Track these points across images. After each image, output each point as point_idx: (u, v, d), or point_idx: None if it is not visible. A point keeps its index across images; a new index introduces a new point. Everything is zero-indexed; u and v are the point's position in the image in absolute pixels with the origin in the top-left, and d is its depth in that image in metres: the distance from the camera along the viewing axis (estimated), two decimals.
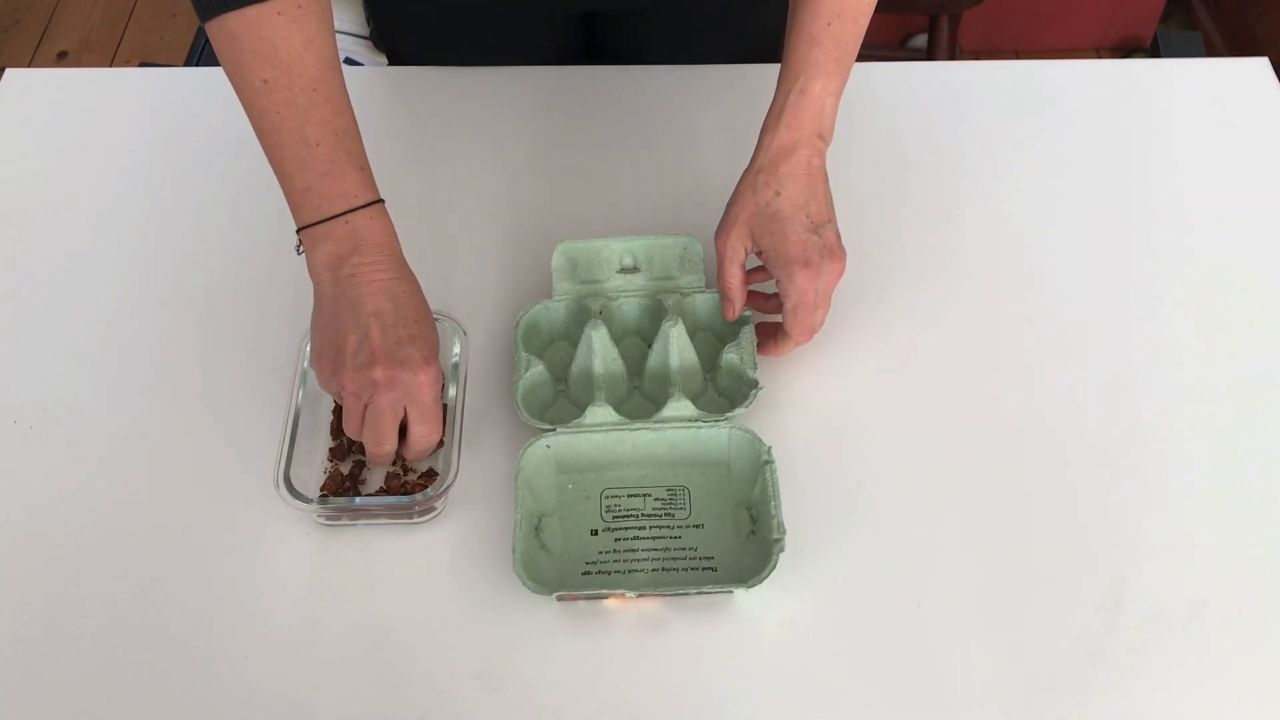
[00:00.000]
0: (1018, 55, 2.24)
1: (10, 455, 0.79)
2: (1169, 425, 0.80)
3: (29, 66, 1.87)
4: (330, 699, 0.69)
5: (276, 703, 0.68)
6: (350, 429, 0.73)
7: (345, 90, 0.74)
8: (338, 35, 1.95)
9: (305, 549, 0.74)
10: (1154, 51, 2.23)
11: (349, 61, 1.79)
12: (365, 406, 0.72)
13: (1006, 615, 0.71)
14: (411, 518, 0.75)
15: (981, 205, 0.93)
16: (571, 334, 0.82)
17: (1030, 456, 0.78)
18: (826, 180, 0.76)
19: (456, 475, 0.74)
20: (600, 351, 0.78)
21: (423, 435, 0.73)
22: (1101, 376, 0.82)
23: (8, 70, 1.04)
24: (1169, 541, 0.74)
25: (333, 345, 0.72)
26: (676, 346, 0.78)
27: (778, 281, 0.76)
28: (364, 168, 0.73)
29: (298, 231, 0.73)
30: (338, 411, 0.79)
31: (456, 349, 0.80)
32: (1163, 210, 0.92)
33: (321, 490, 0.76)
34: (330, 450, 0.78)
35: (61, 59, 2.30)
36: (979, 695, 0.68)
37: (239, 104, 0.73)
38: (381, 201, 0.74)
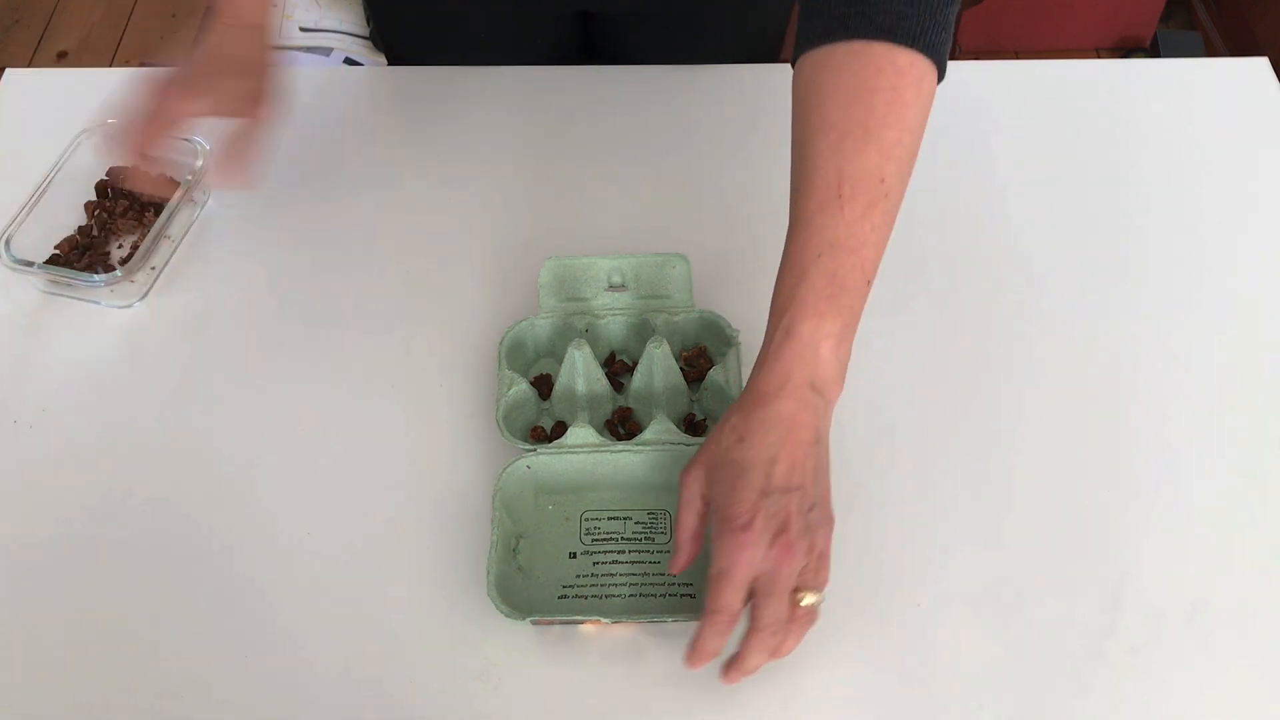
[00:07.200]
0: (1018, 55, 2.24)
1: (10, 455, 0.79)
2: (1168, 425, 0.80)
3: (29, 66, 1.87)
4: (330, 698, 0.69)
5: (276, 701, 0.68)
6: None
7: None
8: (338, 35, 1.95)
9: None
10: (1154, 51, 2.23)
11: (349, 61, 1.79)
12: None
13: (1006, 615, 0.71)
14: (110, 298, 0.85)
15: (980, 205, 0.93)
16: (557, 351, 0.82)
17: (1029, 456, 0.78)
18: (818, 446, 0.64)
19: (158, 269, 0.84)
20: (584, 371, 0.77)
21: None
22: (1100, 376, 0.82)
23: (8, 70, 1.04)
24: (1169, 541, 0.74)
25: None
26: (661, 368, 0.77)
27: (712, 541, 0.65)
28: None
29: None
30: (112, 173, 0.92)
31: (198, 164, 0.87)
32: (1162, 210, 0.92)
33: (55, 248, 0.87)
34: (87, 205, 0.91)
35: (61, 59, 2.30)
36: (979, 695, 0.68)
37: None
38: None
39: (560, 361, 0.79)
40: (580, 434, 0.74)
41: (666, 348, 0.77)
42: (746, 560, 0.62)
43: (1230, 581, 0.72)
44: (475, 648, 0.70)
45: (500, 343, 0.80)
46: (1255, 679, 0.69)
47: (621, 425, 0.78)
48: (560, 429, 0.78)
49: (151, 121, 0.76)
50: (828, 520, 0.65)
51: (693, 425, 0.79)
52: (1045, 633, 0.70)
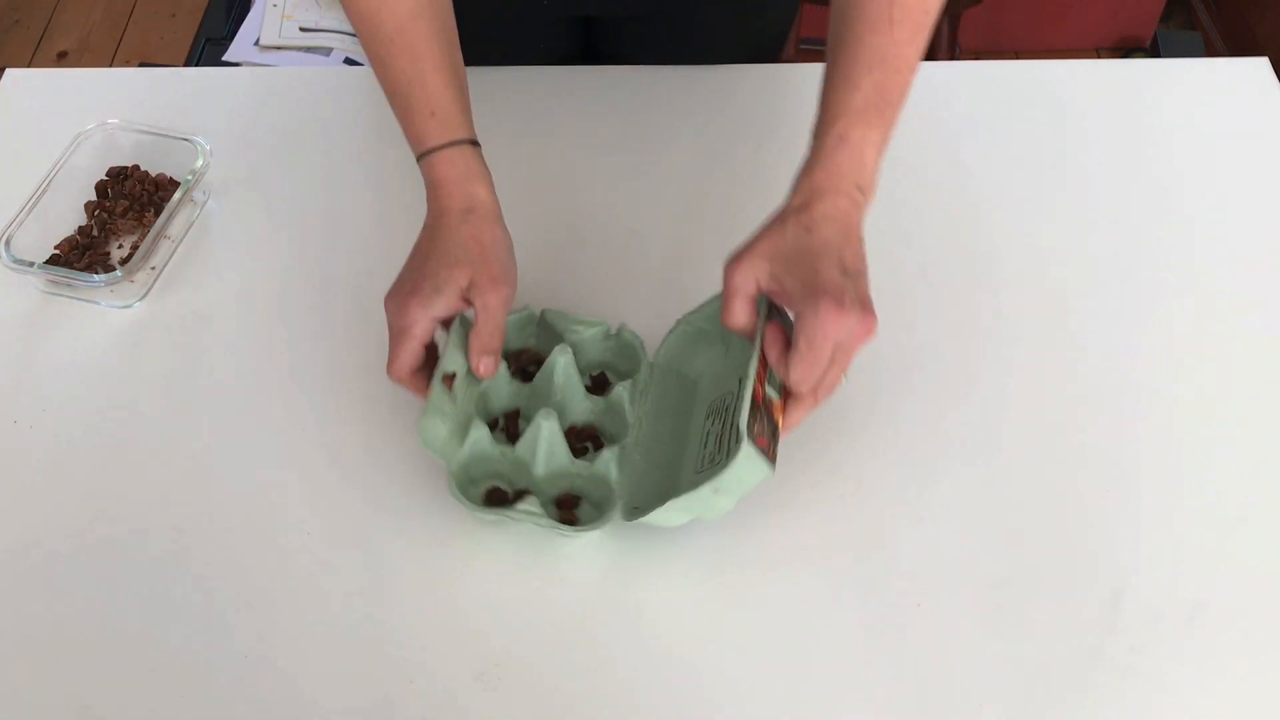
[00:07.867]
0: (1018, 55, 2.24)
1: (10, 455, 0.79)
2: (1168, 425, 0.80)
3: (29, 66, 1.87)
4: (330, 697, 0.69)
5: (275, 700, 0.69)
6: None
7: (431, 35, 0.78)
8: (338, 35, 1.95)
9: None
10: (1154, 51, 2.23)
11: (349, 61, 1.79)
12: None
13: (1006, 615, 0.71)
14: (110, 298, 0.86)
15: (981, 205, 0.93)
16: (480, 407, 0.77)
17: (1030, 457, 0.78)
18: (863, 240, 0.69)
19: (158, 269, 0.86)
20: (549, 445, 0.73)
21: None
22: (1101, 376, 0.82)
23: (8, 70, 1.04)
24: (1168, 542, 0.74)
25: None
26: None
27: (796, 317, 0.67)
28: (434, 113, 0.77)
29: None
30: (113, 173, 0.93)
31: (199, 163, 0.89)
32: (1163, 210, 0.92)
33: (56, 249, 0.88)
34: (87, 205, 0.91)
35: (61, 59, 2.30)
36: (979, 695, 0.68)
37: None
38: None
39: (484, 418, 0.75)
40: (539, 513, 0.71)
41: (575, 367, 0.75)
42: (836, 332, 0.65)
43: (1230, 581, 0.72)
44: (475, 647, 0.70)
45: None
46: (1255, 679, 0.69)
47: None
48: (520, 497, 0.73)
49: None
50: (869, 291, 0.69)
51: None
52: (1045, 633, 0.70)
